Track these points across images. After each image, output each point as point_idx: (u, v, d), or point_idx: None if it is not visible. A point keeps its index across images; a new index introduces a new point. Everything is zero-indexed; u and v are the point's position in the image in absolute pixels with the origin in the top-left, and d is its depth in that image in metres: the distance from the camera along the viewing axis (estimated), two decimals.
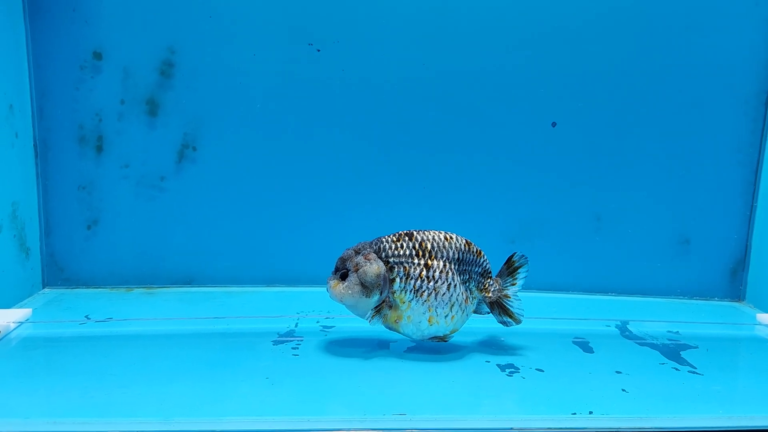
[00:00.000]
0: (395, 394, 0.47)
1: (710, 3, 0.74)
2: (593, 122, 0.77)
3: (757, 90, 0.76)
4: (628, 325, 0.67)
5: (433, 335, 0.54)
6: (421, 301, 0.52)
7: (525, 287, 0.80)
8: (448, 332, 0.54)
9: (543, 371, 0.52)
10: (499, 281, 0.56)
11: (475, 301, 0.56)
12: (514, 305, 0.56)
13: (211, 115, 0.74)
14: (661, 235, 0.79)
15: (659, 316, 0.71)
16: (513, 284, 0.56)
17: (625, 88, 0.76)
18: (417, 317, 0.52)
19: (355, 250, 0.54)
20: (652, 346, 0.60)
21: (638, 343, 0.61)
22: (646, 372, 0.53)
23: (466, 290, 0.54)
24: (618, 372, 0.53)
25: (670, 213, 0.78)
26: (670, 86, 0.76)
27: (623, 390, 0.49)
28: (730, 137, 0.77)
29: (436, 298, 0.52)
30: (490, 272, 0.57)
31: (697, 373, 0.53)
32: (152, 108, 0.74)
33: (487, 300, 0.56)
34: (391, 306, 0.52)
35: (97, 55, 0.72)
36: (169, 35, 0.72)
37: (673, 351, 0.59)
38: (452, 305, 0.53)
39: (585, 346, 0.60)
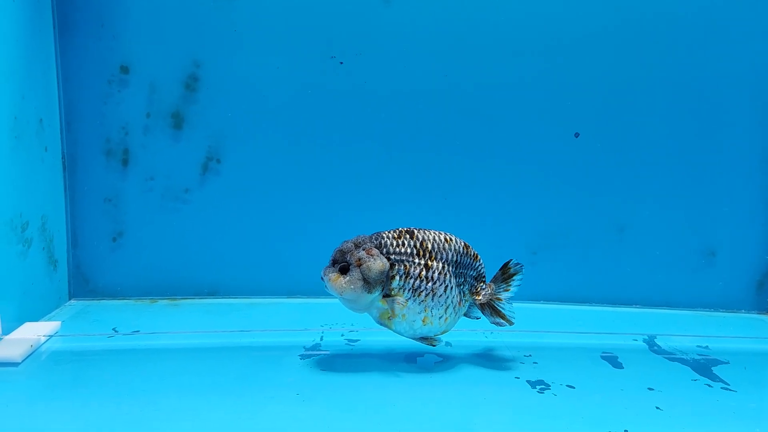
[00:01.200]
0: (427, 411, 0.47)
1: (732, 14, 0.73)
2: (616, 133, 0.76)
3: None
4: (655, 339, 0.66)
5: (425, 335, 0.54)
6: (418, 301, 0.52)
7: (548, 299, 0.80)
8: (439, 333, 0.54)
9: (574, 388, 0.52)
10: (492, 286, 0.56)
11: (467, 303, 0.56)
12: (505, 308, 0.55)
13: (234, 128, 0.75)
14: (686, 247, 0.78)
15: (686, 329, 0.71)
16: (507, 290, 0.56)
17: (647, 98, 0.75)
18: (412, 316, 0.52)
19: (355, 244, 0.53)
20: (682, 361, 0.60)
21: (668, 358, 0.61)
22: (678, 388, 0.53)
23: (460, 293, 0.54)
24: (650, 389, 0.52)
25: (695, 225, 0.78)
26: (694, 97, 0.75)
27: (657, 408, 0.48)
28: (755, 149, 0.76)
29: (432, 299, 0.52)
30: (484, 277, 0.57)
31: (730, 390, 0.53)
32: (177, 121, 0.75)
33: (478, 303, 0.55)
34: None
35: (124, 70, 0.73)
36: (194, 49, 0.73)
37: (704, 366, 0.58)
38: (447, 307, 0.53)
39: (614, 362, 0.59)
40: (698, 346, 0.64)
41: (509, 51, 0.74)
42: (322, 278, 0.52)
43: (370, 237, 0.54)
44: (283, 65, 0.74)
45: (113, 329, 0.65)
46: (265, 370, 0.54)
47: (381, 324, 0.54)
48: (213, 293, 0.78)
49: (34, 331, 0.61)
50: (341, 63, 0.75)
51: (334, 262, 0.53)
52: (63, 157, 0.74)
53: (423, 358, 0.58)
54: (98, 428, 0.43)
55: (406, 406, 0.47)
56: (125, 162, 0.75)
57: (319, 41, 0.74)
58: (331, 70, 0.75)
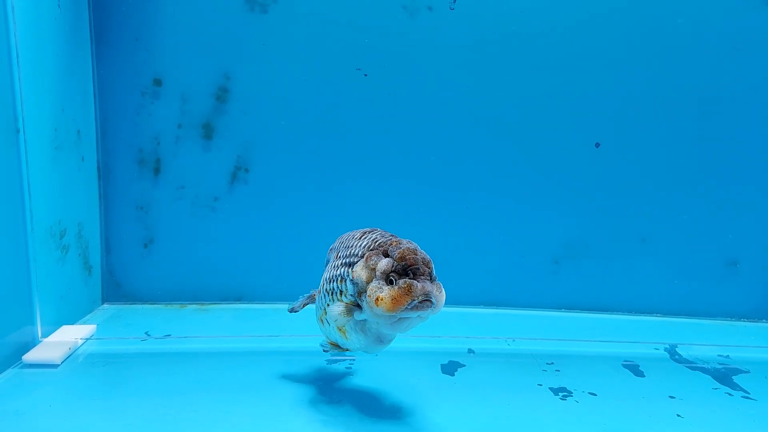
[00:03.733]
0: (452, 416, 0.48)
1: (755, 26, 0.74)
2: (638, 143, 0.77)
3: None
4: (677, 348, 0.67)
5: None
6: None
7: (570, 307, 0.81)
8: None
9: (596, 395, 0.53)
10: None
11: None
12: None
13: (262, 138, 0.77)
14: (708, 257, 0.79)
15: (708, 339, 0.71)
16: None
17: (668, 108, 0.76)
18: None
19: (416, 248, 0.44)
20: (704, 370, 0.60)
21: (689, 367, 0.61)
22: (699, 397, 0.53)
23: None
24: (671, 397, 0.53)
25: (717, 234, 0.78)
26: (714, 107, 0.76)
27: (678, 416, 0.49)
28: None
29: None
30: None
31: (750, 399, 0.53)
32: (207, 132, 0.77)
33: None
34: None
35: (157, 82, 0.76)
36: (224, 62, 0.76)
37: (724, 375, 0.59)
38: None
39: (635, 370, 0.60)
40: (719, 356, 0.65)
41: (531, 63, 0.76)
42: (427, 299, 0.41)
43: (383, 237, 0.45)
44: (309, 77, 0.76)
45: (146, 333, 0.67)
46: (295, 374, 0.56)
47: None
48: (240, 299, 0.80)
49: (72, 334, 0.64)
50: (366, 75, 0.77)
51: (426, 275, 0.42)
52: (98, 167, 0.77)
53: (446, 365, 0.59)
54: (136, 428, 0.45)
55: (430, 412, 0.49)
56: (157, 171, 0.78)
57: (344, 54, 0.76)
58: (356, 81, 0.77)
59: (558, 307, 0.79)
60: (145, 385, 0.54)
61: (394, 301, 0.40)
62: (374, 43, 0.76)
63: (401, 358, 0.61)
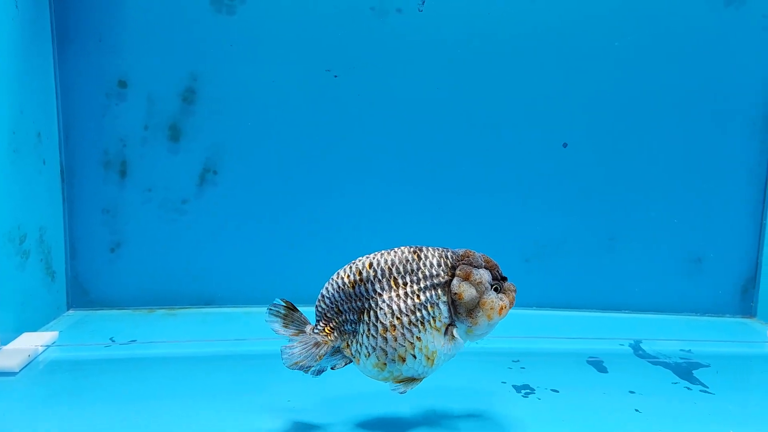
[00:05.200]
0: (415, 417, 0.48)
1: (719, 27, 0.75)
2: (605, 143, 0.78)
3: (765, 111, 0.77)
4: (641, 344, 0.68)
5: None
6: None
7: (540, 305, 0.81)
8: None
9: (558, 392, 0.54)
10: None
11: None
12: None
13: (231, 140, 0.77)
14: (674, 254, 0.80)
15: (672, 334, 0.72)
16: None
17: (635, 109, 0.77)
18: None
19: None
20: (665, 365, 0.61)
21: (651, 362, 0.62)
22: (659, 392, 0.54)
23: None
24: (631, 392, 0.54)
25: (682, 232, 0.80)
26: (681, 108, 0.77)
27: (636, 410, 0.50)
28: (740, 158, 0.78)
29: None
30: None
31: (709, 393, 0.54)
32: (174, 133, 0.76)
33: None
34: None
35: (122, 83, 0.75)
36: (191, 63, 0.75)
37: (685, 370, 0.60)
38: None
39: (599, 366, 0.61)
40: (681, 350, 0.66)
41: (499, 64, 0.76)
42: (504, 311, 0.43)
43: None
44: (278, 79, 0.76)
45: (110, 339, 0.66)
46: (258, 378, 0.56)
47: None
48: (210, 303, 0.79)
49: (32, 342, 0.62)
50: (336, 76, 0.77)
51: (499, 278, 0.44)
52: (61, 170, 0.75)
53: None
54: None
55: (393, 409, 0.49)
56: (123, 173, 0.77)
57: (314, 55, 0.76)
58: (325, 83, 0.76)
59: (528, 305, 0.80)
60: (108, 391, 0.53)
61: (510, 305, 0.44)
62: (344, 45, 0.76)
63: None
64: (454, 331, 0.43)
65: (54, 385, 0.54)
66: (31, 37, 0.68)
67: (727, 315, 0.81)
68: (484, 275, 0.43)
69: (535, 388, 0.54)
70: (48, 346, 0.63)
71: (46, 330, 0.68)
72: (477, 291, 0.43)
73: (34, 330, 0.67)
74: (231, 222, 0.78)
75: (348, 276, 0.43)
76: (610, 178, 0.79)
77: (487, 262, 0.44)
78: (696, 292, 0.80)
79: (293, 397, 0.52)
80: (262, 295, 0.79)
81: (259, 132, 0.77)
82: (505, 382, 0.55)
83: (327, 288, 0.44)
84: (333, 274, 0.45)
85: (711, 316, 0.80)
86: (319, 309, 0.44)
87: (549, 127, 0.78)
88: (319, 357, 0.42)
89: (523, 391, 0.54)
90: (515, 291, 0.45)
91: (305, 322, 0.44)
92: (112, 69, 0.74)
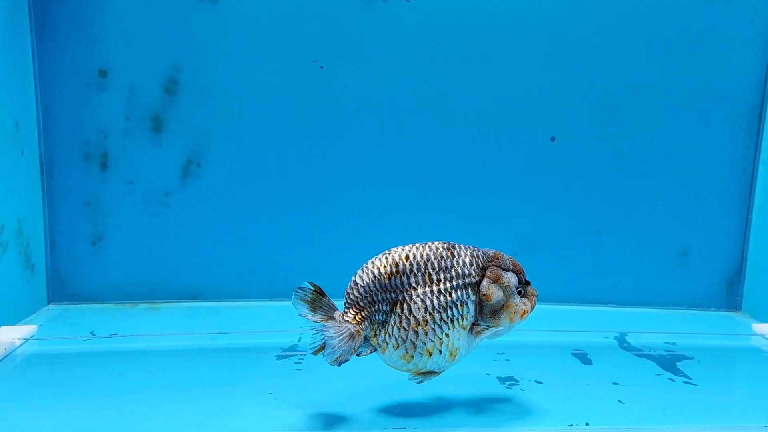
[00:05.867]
0: (396, 409, 0.48)
1: (707, 21, 0.75)
2: (592, 137, 0.78)
3: (752, 105, 0.77)
4: (626, 337, 0.68)
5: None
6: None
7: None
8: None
9: (542, 383, 0.53)
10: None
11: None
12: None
13: (215, 132, 0.76)
14: (660, 248, 0.80)
15: (657, 327, 0.72)
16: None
17: (622, 103, 0.77)
18: None
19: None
20: (650, 357, 0.61)
21: (636, 355, 0.62)
22: (642, 383, 0.54)
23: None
24: (615, 383, 0.54)
25: (669, 226, 0.80)
26: (668, 102, 0.77)
27: (620, 401, 0.50)
28: (726, 151, 0.78)
29: None
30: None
31: (692, 384, 0.54)
32: (157, 125, 0.75)
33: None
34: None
35: (103, 73, 0.74)
36: (173, 53, 0.74)
37: (669, 362, 0.60)
38: None
39: (584, 358, 0.60)
40: (666, 343, 0.66)
41: (488, 56, 0.76)
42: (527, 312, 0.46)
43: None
44: (263, 69, 0.75)
45: (90, 332, 0.65)
46: (240, 371, 0.55)
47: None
48: (194, 297, 0.78)
49: (10, 335, 0.61)
50: (322, 67, 0.76)
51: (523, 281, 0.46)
52: (40, 161, 0.74)
53: None
54: (71, 428, 0.44)
55: (375, 404, 0.48)
56: (104, 165, 0.75)
57: (299, 46, 0.75)
58: (311, 74, 0.76)
59: None
60: (86, 385, 0.52)
61: (532, 309, 0.46)
62: (330, 36, 0.75)
63: None
64: (478, 330, 0.45)
65: (31, 378, 0.53)
66: (9, 26, 0.67)
67: (713, 309, 0.81)
68: (512, 279, 0.45)
69: (519, 379, 0.54)
70: (26, 340, 0.62)
71: (25, 324, 0.67)
72: (504, 294, 0.45)
73: (13, 324, 0.66)
74: (215, 215, 0.77)
75: (384, 267, 0.43)
76: (597, 173, 0.78)
77: (515, 266, 0.46)
78: (682, 286, 0.81)
79: (275, 389, 0.51)
80: (247, 289, 0.79)
81: (243, 124, 0.76)
82: (489, 374, 0.55)
83: (361, 276, 0.43)
84: (366, 262, 0.44)
85: (697, 309, 0.81)
86: (352, 297, 0.43)
87: (536, 122, 0.77)
88: (355, 349, 0.42)
89: (507, 383, 0.53)
90: (536, 296, 0.47)
91: (334, 308, 0.43)
92: (92, 58, 0.73)
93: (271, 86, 0.75)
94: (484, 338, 0.46)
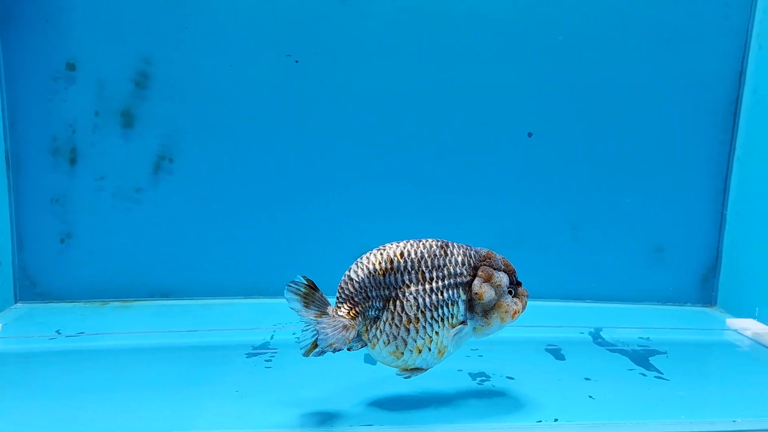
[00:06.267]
0: (365, 405, 0.47)
1: (682, 19, 0.75)
2: (568, 133, 0.78)
3: (726, 102, 0.78)
4: (601, 332, 0.68)
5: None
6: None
7: None
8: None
9: (513, 379, 0.53)
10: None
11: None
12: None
13: (188, 126, 0.74)
14: (636, 244, 0.80)
15: (632, 322, 0.72)
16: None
17: (598, 100, 0.77)
18: None
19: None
20: (623, 352, 0.61)
21: (609, 350, 0.62)
22: (614, 378, 0.54)
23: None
24: (587, 379, 0.54)
25: (644, 222, 0.80)
26: (643, 99, 0.77)
27: (590, 397, 0.50)
28: (701, 148, 0.79)
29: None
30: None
31: (663, 379, 0.54)
32: (127, 119, 0.74)
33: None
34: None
35: (71, 66, 0.72)
36: (144, 46, 0.72)
37: (642, 357, 0.60)
38: None
39: (557, 354, 0.60)
40: (640, 338, 0.66)
41: (464, 52, 0.75)
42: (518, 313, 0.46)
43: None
44: (236, 63, 0.74)
45: (57, 331, 0.64)
46: (208, 369, 0.54)
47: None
48: (166, 295, 0.77)
49: None
50: (297, 62, 0.75)
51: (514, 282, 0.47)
52: (6, 156, 0.72)
53: (370, 356, 0.58)
54: (32, 429, 0.42)
55: (342, 402, 0.48)
56: (73, 161, 0.74)
57: (274, 39, 0.74)
58: (286, 68, 0.75)
59: None
60: (50, 384, 0.50)
61: (522, 309, 0.46)
62: (305, 29, 0.74)
63: None
64: (466, 329, 0.45)
65: None
66: None
67: (688, 304, 0.81)
68: (503, 278, 0.45)
69: (491, 375, 0.54)
70: None
71: None
72: (496, 293, 0.45)
73: None
74: (188, 211, 0.76)
75: (379, 263, 0.43)
76: (574, 169, 0.78)
77: (507, 266, 0.46)
78: (657, 282, 0.81)
79: (242, 387, 0.50)
80: (220, 286, 0.78)
81: (216, 118, 0.75)
82: (461, 370, 0.55)
83: (356, 272, 0.43)
84: (361, 257, 0.44)
85: (672, 304, 0.81)
86: (346, 292, 0.43)
87: (513, 118, 0.77)
88: (348, 341, 0.41)
89: (478, 379, 0.53)
90: (527, 296, 0.47)
91: (326, 303, 0.43)
92: (59, 51, 0.71)
93: (244, 80, 0.74)
94: (475, 338, 0.46)
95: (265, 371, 0.54)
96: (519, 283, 0.47)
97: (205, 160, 0.75)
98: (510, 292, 0.46)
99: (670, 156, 0.78)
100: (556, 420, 0.45)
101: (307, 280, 0.42)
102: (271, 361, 0.56)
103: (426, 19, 0.74)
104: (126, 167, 0.74)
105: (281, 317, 0.69)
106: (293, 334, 0.65)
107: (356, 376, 0.53)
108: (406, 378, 0.45)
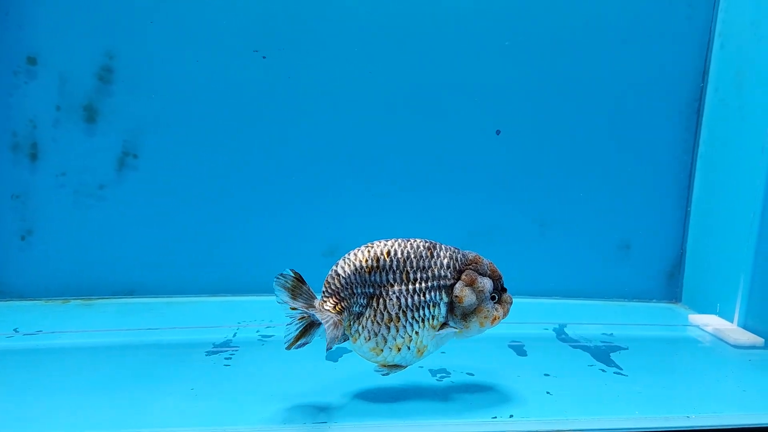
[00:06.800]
0: (320, 402, 0.47)
1: (646, 18, 0.76)
2: (536, 131, 0.78)
3: (689, 100, 0.79)
4: (565, 329, 0.68)
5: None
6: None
7: None
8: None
9: (473, 375, 0.53)
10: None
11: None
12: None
13: (152, 122, 0.73)
14: (603, 241, 0.81)
15: (597, 318, 0.73)
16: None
17: (565, 98, 0.77)
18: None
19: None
20: (585, 348, 0.62)
21: (572, 346, 0.62)
22: (573, 374, 0.54)
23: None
24: (546, 375, 0.54)
25: (611, 219, 0.81)
26: (609, 97, 0.78)
27: (548, 393, 0.50)
28: (665, 146, 0.80)
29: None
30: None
31: (622, 374, 0.55)
32: (90, 114, 0.72)
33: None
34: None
35: (32, 60, 0.70)
36: (107, 40, 0.71)
37: (603, 353, 0.60)
38: None
39: (519, 350, 0.61)
40: (603, 334, 0.67)
41: (432, 50, 0.75)
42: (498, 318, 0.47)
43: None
44: (203, 58, 0.73)
45: (14, 329, 0.62)
46: (165, 368, 0.53)
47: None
48: (131, 293, 0.76)
49: None
50: (264, 57, 0.74)
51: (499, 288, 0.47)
52: None
53: (332, 351, 0.58)
54: None
55: (309, 398, 0.47)
56: (34, 156, 0.72)
57: (241, 35, 0.73)
58: (253, 64, 0.74)
59: None
60: (4, 383, 0.49)
61: (504, 316, 0.47)
62: (272, 25, 0.73)
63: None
64: (447, 331, 0.45)
65: None
66: None
67: (654, 300, 0.82)
68: (486, 284, 0.46)
69: (451, 372, 0.54)
70: None
71: None
72: (477, 298, 0.45)
73: None
74: (153, 208, 0.75)
75: (366, 261, 0.44)
76: (541, 166, 0.79)
77: (493, 272, 0.47)
78: (624, 278, 0.82)
79: (198, 385, 0.49)
80: (186, 284, 0.77)
81: (182, 114, 0.74)
82: (422, 366, 0.55)
83: (343, 268, 0.44)
84: (348, 253, 0.45)
85: (638, 301, 0.82)
86: (333, 287, 0.44)
87: (482, 115, 0.77)
88: (338, 337, 0.42)
89: (438, 375, 0.53)
90: (511, 304, 0.47)
91: (313, 296, 0.43)
92: (19, 45, 0.70)
93: (211, 76, 0.73)
94: (455, 339, 0.47)
95: (223, 369, 0.53)
96: (504, 290, 0.47)
97: (171, 157, 0.74)
98: (493, 298, 0.46)
99: (635, 154, 0.79)
100: (511, 416, 0.45)
101: (295, 273, 0.42)
102: (231, 359, 0.56)
103: (394, 17, 0.74)
104: (89, 163, 0.73)
105: (246, 315, 0.69)
106: (257, 331, 0.64)
107: (314, 374, 0.52)
108: (384, 375, 0.46)
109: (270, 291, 0.77)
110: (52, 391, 0.48)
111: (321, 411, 0.45)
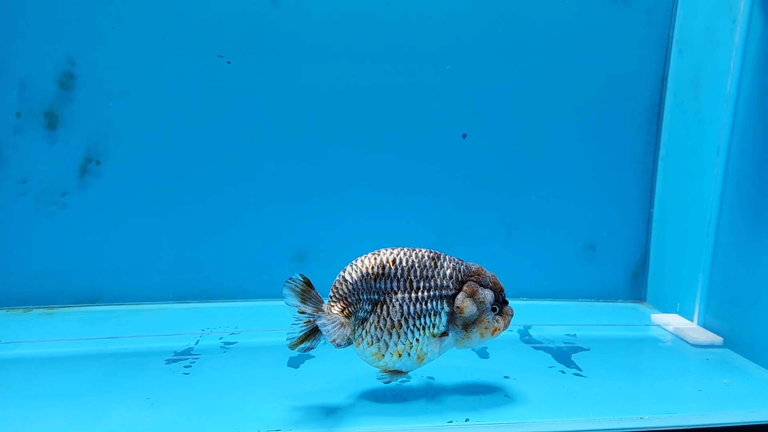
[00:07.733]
0: (276, 409, 0.47)
1: (608, 22, 0.78)
2: (501, 134, 0.79)
3: (650, 104, 0.80)
4: (529, 330, 0.69)
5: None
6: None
7: None
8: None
9: (433, 379, 0.53)
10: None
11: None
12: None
13: (115, 128, 0.73)
14: (568, 242, 0.82)
15: (561, 319, 0.74)
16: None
17: (529, 102, 0.78)
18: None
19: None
20: (547, 349, 0.62)
21: (534, 347, 0.63)
22: (533, 376, 0.55)
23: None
24: (506, 377, 0.54)
25: (576, 221, 0.82)
26: (572, 101, 0.79)
27: (506, 396, 0.50)
28: (628, 149, 0.81)
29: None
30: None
31: (581, 375, 0.56)
32: (51, 121, 0.71)
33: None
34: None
35: None
36: (68, 46, 0.70)
37: (565, 354, 0.61)
38: None
39: (482, 352, 0.61)
40: (567, 335, 0.67)
41: (398, 54, 0.75)
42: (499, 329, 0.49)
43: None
44: (166, 64, 0.73)
45: None
46: (122, 376, 0.53)
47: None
48: (94, 301, 0.75)
49: None
50: (229, 62, 0.74)
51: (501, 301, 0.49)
52: None
53: (296, 358, 0.58)
54: None
55: (273, 403, 0.47)
56: None
57: (205, 39, 0.73)
58: (218, 69, 0.73)
59: None
60: None
61: (504, 328, 0.49)
62: (237, 30, 0.73)
63: (247, 355, 0.58)
64: (448, 340, 0.47)
65: None
66: None
67: (620, 300, 0.84)
68: (488, 295, 0.48)
69: (410, 375, 0.54)
70: None
71: None
72: (478, 309, 0.47)
73: None
74: (117, 215, 0.74)
75: (372, 268, 0.45)
76: (507, 169, 0.80)
77: (495, 284, 0.49)
78: (590, 279, 0.83)
79: (153, 394, 0.49)
80: (150, 291, 0.76)
81: (145, 120, 0.73)
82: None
83: (350, 273, 0.45)
84: (355, 260, 0.46)
85: (604, 301, 0.83)
86: (340, 292, 0.45)
87: (448, 119, 0.78)
88: (346, 337, 0.44)
89: (399, 379, 0.53)
90: (512, 316, 0.49)
91: (321, 301, 0.44)
92: None
93: (174, 81, 0.73)
94: (456, 348, 0.49)
95: (181, 378, 0.53)
96: (505, 302, 0.49)
97: (134, 163, 0.73)
98: (494, 309, 0.48)
99: (599, 156, 0.81)
100: (467, 420, 0.46)
101: (304, 278, 0.43)
102: (190, 367, 0.55)
103: (358, 20, 0.74)
104: (50, 170, 0.72)
105: (210, 322, 0.68)
106: (220, 338, 0.64)
107: (274, 382, 0.52)
108: (386, 383, 0.47)
109: (235, 297, 0.77)
110: (6, 401, 0.47)
111: (277, 420, 0.45)
